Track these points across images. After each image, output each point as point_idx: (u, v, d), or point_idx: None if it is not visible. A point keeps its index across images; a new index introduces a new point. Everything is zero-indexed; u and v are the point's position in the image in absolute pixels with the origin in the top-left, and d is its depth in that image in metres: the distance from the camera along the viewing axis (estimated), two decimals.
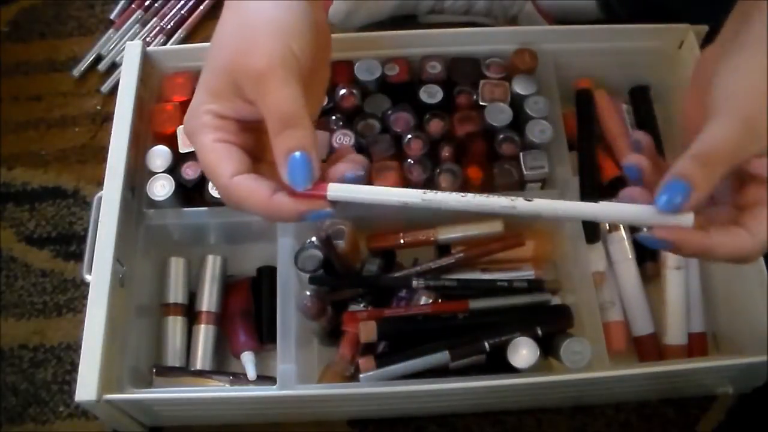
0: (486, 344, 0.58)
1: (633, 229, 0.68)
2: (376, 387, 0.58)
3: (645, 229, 0.44)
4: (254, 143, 0.48)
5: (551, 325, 0.59)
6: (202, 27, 0.88)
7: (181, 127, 0.67)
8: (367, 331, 0.58)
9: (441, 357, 0.57)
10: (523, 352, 0.57)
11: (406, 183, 0.65)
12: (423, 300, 0.62)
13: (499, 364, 0.58)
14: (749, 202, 0.44)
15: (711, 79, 0.45)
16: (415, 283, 0.61)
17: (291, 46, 0.45)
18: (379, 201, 0.45)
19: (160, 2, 0.89)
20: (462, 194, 0.45)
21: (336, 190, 0.45)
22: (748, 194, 0.44)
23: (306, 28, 0.47)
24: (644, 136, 0.48)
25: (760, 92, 0.44)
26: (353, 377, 0.61)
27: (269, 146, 0.46)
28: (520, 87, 0.68)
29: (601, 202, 0.45)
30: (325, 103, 0.68)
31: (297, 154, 0.43)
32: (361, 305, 0.63)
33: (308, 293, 0.60)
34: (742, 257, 0.44)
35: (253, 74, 0.44)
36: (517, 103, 0.68)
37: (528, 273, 0.65)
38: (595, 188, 0.67)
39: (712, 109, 0.44)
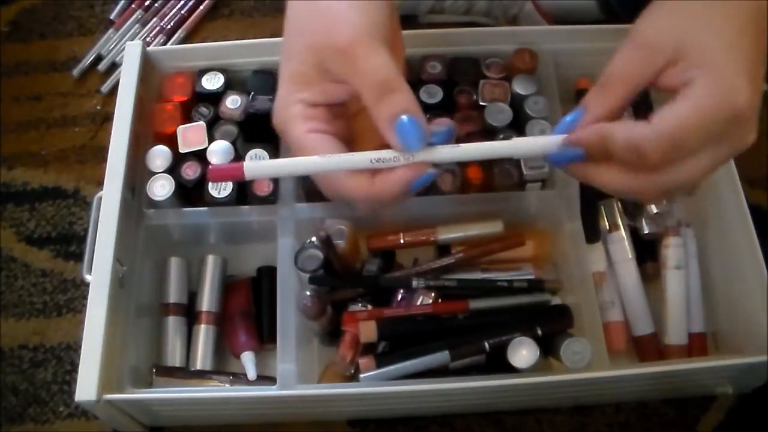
0: (486, 344, 0.58)
1: (633, 229, 0.68)
2: (376, 387, 0.58)
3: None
4: (346, 130, 0.47)
5: (551, 325, 0.59)
6: (202, 27, 0.88)
7: (181, 126, 0.67)
8: (367, 331, 0.58)
9: (441, 357, 0.58)
10: (523, 352, 0.57)
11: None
12: (423, 300, 0.62)
13: (499, 364, 0.58)
14: None
15: None
16: (415, 283, 0.61)
17: (372, 16, 0.44)
18: (290, 173, 0.46)
19: (160, 2, 0.89)
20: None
21: (252, 169, 0.44)
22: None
23: (382, 0, 0.46)
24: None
25: (651, 14, 0.46)
26: (353, 377, 0.61)
27: (359, 131, 0.46)
28: (520, 87, 0.68)
29: (513, 138, 0.48)
30: None
31: (404, 117, 0.42)
32: (361, 305, 0.63)
33: (308, 293, 0.60)
34: (639, 147, 0.42)
35: (341, 51, 0.43)
36: (517, 103, 0.68)
37: (528, 273, 0.65)
38: (595, 188, 0.67)
39: None
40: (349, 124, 0.48)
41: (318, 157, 0.44)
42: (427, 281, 0.61)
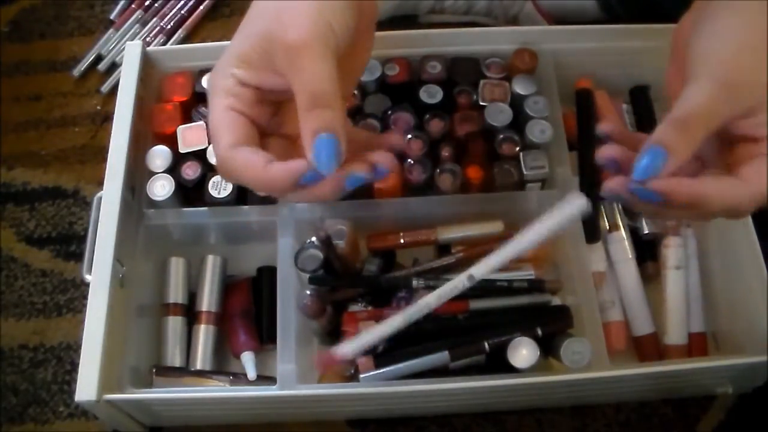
0: (486, 344, 0.58)
1: (633, 229, 0.68)
2: (376, 387, 0.58)
3: (634, 183, 0.44)
4: (269, 116, 0.47)
5: (551, 326, 0.59)
6: (202, 27, 0.88)
7: (181, 126, 0.67)
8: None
9: (441, 357, 0.57)
10: (522, 352, 0.57)
11: (406, 183, 0.65)
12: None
13: (499, 364, 0.58)
14: (740, 160, 0.44)
15: (688, 45, 0.45)
16: (415, 283, 0.61)
17: (330, 21, 0.44)
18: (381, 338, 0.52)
19: (160, 2, 0.89)
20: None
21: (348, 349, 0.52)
22: (738, 153, 0.44)
23: (348, 2, 0.46)
24: (608, 126, 0.48)
25: (736, 53, 0.44)
26: (353, 377, 0.61)
27: (285, 121, 0.46)
28: (520, 87, 0.68)
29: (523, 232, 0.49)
30: None
31: (324, 135, 0.42)
32: (361, 305, 0.63)
33: (308, 292, 0.60)
34: (736, 206, 0.43)
35: (289, 47, 0.43)
36: (517, 103, 0.68)
37: (528, 273, 0.64)
38: (595, 188, 0.67)
39: (690, 74, 0.44)
40: (276, 110, 0.48)
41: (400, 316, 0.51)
42: (427, 281, 0.61)
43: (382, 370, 0.58)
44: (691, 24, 0.47)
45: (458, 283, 0.51)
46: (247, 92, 0.46)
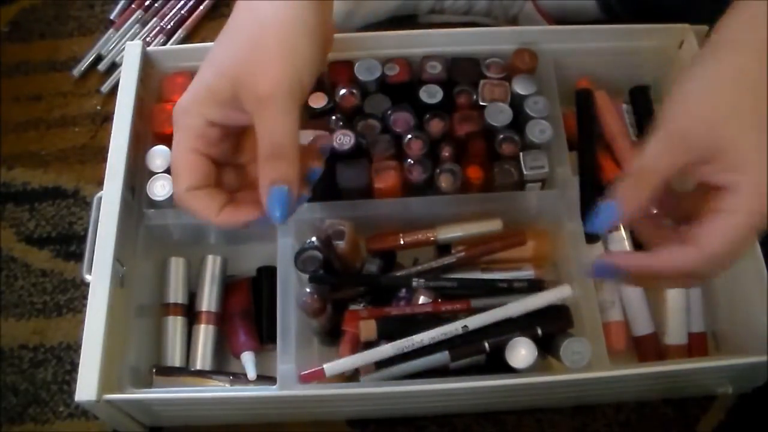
0: (486, 344, 0.58)
1: (632, 229, 0.68)
2: (376, 387, 0.58)
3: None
4: (230, 152, 0.50)
5: (551, 326, 0.59)
6: (202, 27, 0.88)
7: None
8: (368, 330, 0.58)
9: (441, 357, 0.57)
10: (521, 352, 0.57)
11: (406, 183, 0.65)
12: (423, 299, 0.62)
13: (499, 364, 0.58)
14: (707, 212, 0.44)
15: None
16: (415, 282, 0.61)
17: (301, 74, 0.46)
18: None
19: (160, 2, 0.89)
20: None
21: (331, 369, 0.56)
22: (709, 203, 0.44)
23: (317, 48, 0.48)
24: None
25: (689, 101, 0.44)
26: (353, 377, 0.61)
27: (242, 149, 0.49)
28: (520, 87, 0.68)
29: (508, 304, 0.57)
30: (325, 103, 0.68)
31: (279, 187, 0.45)
32: (361, 305, 0.63)
33: (308, 290, 0.60)
34: (691, 273, 0.43)
35: (257, 97, 0.45)
36: (517, 103, 0.68)
37: (528, 273, 0.65)
38: (594, 188, 0.67)
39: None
40: (236, 141, 0.50)
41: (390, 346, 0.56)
42: (427, 282, 0.61)
43: (382, 372, 0.58)
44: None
45: (452, 328, 0.57)
46: (214, 132, 0.48)
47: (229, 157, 0.50)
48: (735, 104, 0.43)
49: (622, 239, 0.67)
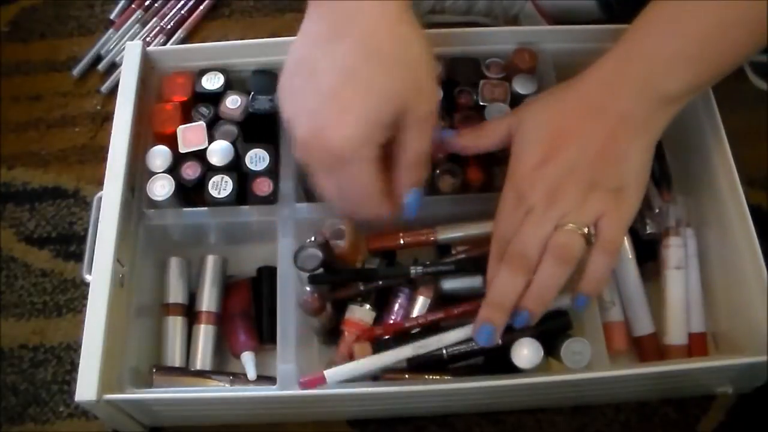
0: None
1: (633, 229, 0.68)
2: (376, 387, 0.58)
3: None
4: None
5: (549, 326, 0.59)
6: (202, 27, 0.88)
7: (181, 126, 0.67)
8: (362, 352, 0.58)
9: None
10: (526, 352, 0.57)
11: None
12: (421, 301, 0.62)
13: (499, 363, 0.58)
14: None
15: None
16: (413, 271, 0.61)
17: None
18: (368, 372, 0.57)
19: (160, 2, 0.89)
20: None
21: (332, 376, 0.56)
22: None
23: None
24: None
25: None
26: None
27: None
28: (520, 87, 0.68)
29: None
30: None
31: (417, 189, 0.54)
32: (362, 305, 0.63)
33: (308, 288, 0.60)
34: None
35: (419, 115, 0.50)
36: (517, 102, 0.68)
37: None
38: None
39: None
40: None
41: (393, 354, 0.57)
42: (425, 268, 0.61)
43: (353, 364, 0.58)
44: None
45: (437, 342, 0.58)
46: (379, 149, 0.50)
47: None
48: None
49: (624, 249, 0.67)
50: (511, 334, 0.57)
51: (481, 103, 0.68)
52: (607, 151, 0.53)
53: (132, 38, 0.87)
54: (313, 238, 0.62)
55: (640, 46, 0.54)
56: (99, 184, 0.64)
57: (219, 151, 0.66)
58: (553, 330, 0.59)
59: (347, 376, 0.57)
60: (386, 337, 0.60)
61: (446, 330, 0.58)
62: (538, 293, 0.53)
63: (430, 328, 0.60)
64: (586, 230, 0.52)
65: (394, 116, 0.49)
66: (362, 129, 0.49)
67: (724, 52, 0.53)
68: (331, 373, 0.56)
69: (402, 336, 0.60)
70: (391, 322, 0.61)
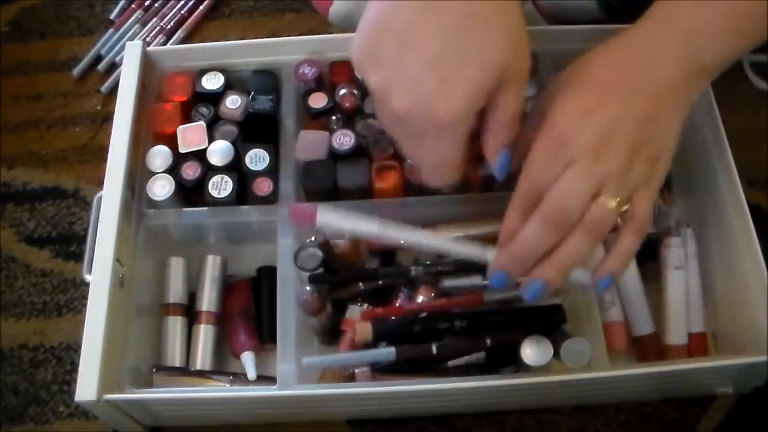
0: (488, 341, 0.58)
1: None
2: (376, 387, 0.58)
3: None
4: None
5: (544, 322, 0.60)
6: (202, 27, 0.88)
7: (181, 126, 0.67)
8: (363, 332, 0.58)
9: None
10: (535, 350, 0.57)
11: (406, 183, 0.65)
12: (422, 299, 0.62)
13: (498, 362, 0.58)
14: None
15: None
16: (413, 271, 0.61)
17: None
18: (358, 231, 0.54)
19: (160, 2, 0.89)
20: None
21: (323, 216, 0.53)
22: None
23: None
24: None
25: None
26: (353, 377, 0.61)
27: None
28: None
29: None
30: (325, 103, 0.68)
31: (508, 150, 0.51)
32: (361, 306, 0.63)
33: (308, 288, 0.60)
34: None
35: (518, 73, 0.48)
36: None
37: None
38: None
39: None
40: None
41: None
42: (425, 268, 0.61)
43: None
44: None
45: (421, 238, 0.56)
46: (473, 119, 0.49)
47: None
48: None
49: None
50: (512, 333, 0.57)
51: None
52: (650, 114, 0.50)
53: (132, 38, 0.87)
54: (313, 238, 0.62)
55: (677, 18, 0.52)
56: (99, 184, 0.64)
57: (219, 151, 0.66)
58: (547, 325, 0.59)
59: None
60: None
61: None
62: (561, 262, 0.50)
63: (430, 319, 0.60)
64: (624, 207, 0.50)
65: (497, 81, 0.48)
66: (469, 99, 0.47)
67: (758, 26, 0.52)
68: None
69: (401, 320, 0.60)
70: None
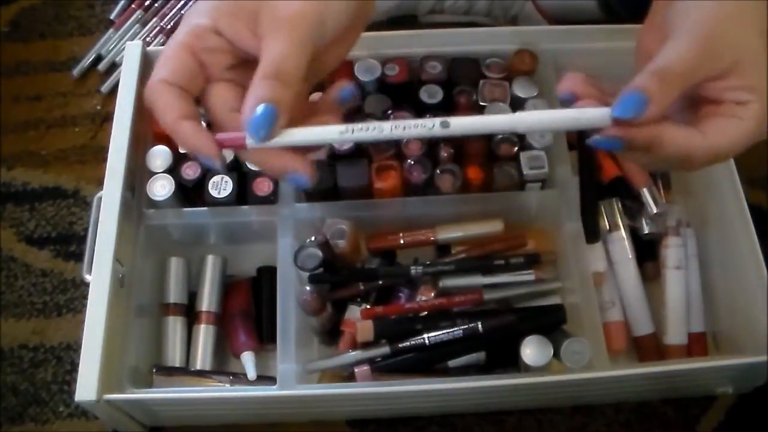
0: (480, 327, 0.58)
1: (633, 229, 0.68)
2: (376, 387, 0.58)
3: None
4: (223, 66, 0.46)
5: (544, 322, 0.60)
6: None
7: None
8: (364, 331, 0.58)
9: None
10: (534, 350, 0.57)
11: (406, 183, 0.65)
12: (422, 299, 0.62)
13: (498, 362, 0.58)
14: (702, 118, 0.44)
15: (669, 6, 0.46)
16: (413, 271, 0.61)
17: (325, 18, 0.44)
18: (298, 142, 0.43)
19: (160, 2, 0.89)
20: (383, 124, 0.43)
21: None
22: (702, 113, 0.45)
23: (351, 9, 0.46)
24: (570, 82, 0.46)
25: (718, 15, 0.44)
26: (352, 377, 0.61)
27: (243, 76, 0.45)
28: (520, 90, 0.68)
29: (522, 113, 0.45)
30: None
31: (266, 104, 0.41)
32: (361, 305, 0.63)
33: (308, 288, 0.60)
34: (690, 155, 0.43)
35: (277, 15, 0.43)
36: (517, 104, 0.68)
37: (528, 273, 0.64)
38: (595, 188, 0.67)
39: (670, 32, 0.45)
40: (231, 63, 0.46)
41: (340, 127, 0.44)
42: (425, 268, 0.61)
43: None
44: None
45: (428, 122, 0.44)
46: (216, 42, 0.45)
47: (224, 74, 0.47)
48: (754, 25, 0.45)
49: (621, 239, 0.67)
50: (512, 333, 0.57)
51: (481, 103, 0.68)
52: None
53: (132, 38, 0.87)
54: (313, 238, 0.62)
55: None
56: (99, 184, 0.64)
57: None
58: (547, 325, 0.59)
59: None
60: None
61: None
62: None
63: (431, 318, 0.60)
64: None
65: (251, 6, 0.44)
66: (210, 5, 0.44)
67: None
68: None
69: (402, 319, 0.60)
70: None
